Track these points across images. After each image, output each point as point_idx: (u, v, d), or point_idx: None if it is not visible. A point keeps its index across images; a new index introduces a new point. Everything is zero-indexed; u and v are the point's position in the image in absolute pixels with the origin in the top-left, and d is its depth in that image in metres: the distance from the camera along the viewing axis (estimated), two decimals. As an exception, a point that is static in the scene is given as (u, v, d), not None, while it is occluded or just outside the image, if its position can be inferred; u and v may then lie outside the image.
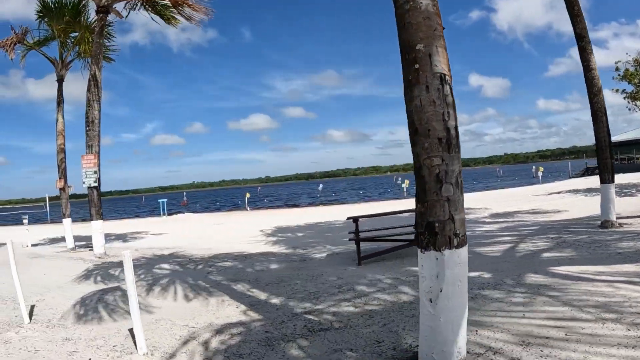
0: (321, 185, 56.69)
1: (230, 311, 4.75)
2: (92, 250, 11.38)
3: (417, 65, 2.65)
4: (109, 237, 15.79)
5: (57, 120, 11.68)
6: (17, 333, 4.24)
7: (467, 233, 2.82)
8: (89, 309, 5.06)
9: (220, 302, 5.11)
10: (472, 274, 5.07)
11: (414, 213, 2.97)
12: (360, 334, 3.62)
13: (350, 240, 7.62)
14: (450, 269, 2.62)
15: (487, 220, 11.84)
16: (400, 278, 5.51)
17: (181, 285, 6.09)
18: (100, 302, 5.33)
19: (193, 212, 33.55)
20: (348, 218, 7.74)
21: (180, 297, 5.56)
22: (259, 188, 42.09)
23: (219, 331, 4.05)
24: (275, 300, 5.02)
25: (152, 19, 11.10)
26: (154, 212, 40.40)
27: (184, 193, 64.36)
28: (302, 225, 15.39)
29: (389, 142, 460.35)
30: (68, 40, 11.78)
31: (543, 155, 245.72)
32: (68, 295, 5.78)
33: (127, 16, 10.59)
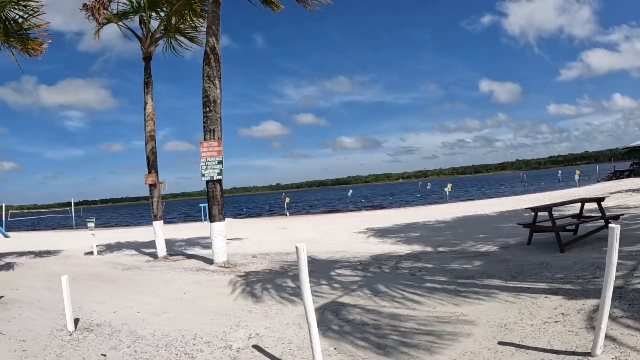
0: (351, 191, 55.57)
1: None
2: (187, 258, 9.70)
3: None
4: (176, 242, 14.03)
5: (145, 103, 10.10)
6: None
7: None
8: (367, 339, 3.33)
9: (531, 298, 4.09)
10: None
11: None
12: None
13: (548, 231, 7.11)
14: None
15: (592, 214, 10.67)
16: (630, 254, 5.34)
17: (421, 292, 4.66)
18: (356, 325, 3.61)
19: (233, 217, 31.93)
20: (527, 208, 7.97)
21: (478, 303, 3.96)
22: (284, 194, 40.96)
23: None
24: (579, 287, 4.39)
25: (249, 1, 9.62)
26: (187, 218, 38.85)
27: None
28: (393, 226, 14.07)
29: (400, 149, 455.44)
30: (161, 13, 10.20)
31: (555, 161, 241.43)
32: (272, 327, 4.03)
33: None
